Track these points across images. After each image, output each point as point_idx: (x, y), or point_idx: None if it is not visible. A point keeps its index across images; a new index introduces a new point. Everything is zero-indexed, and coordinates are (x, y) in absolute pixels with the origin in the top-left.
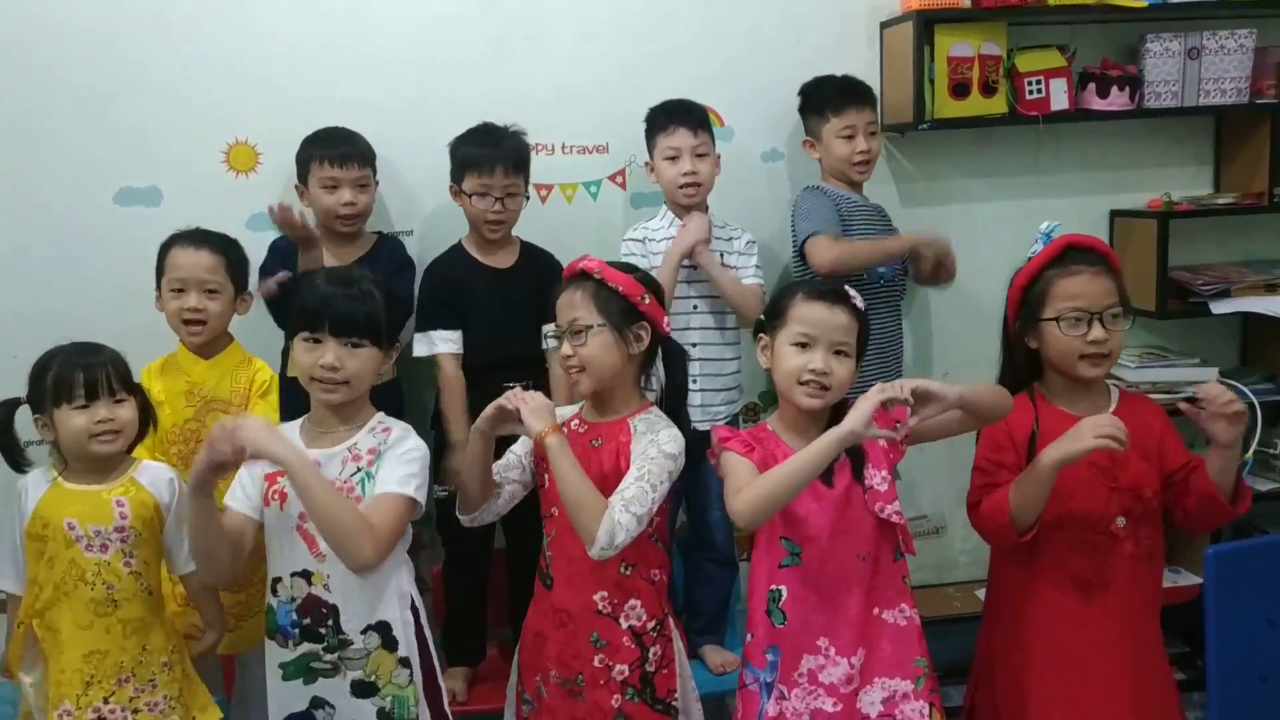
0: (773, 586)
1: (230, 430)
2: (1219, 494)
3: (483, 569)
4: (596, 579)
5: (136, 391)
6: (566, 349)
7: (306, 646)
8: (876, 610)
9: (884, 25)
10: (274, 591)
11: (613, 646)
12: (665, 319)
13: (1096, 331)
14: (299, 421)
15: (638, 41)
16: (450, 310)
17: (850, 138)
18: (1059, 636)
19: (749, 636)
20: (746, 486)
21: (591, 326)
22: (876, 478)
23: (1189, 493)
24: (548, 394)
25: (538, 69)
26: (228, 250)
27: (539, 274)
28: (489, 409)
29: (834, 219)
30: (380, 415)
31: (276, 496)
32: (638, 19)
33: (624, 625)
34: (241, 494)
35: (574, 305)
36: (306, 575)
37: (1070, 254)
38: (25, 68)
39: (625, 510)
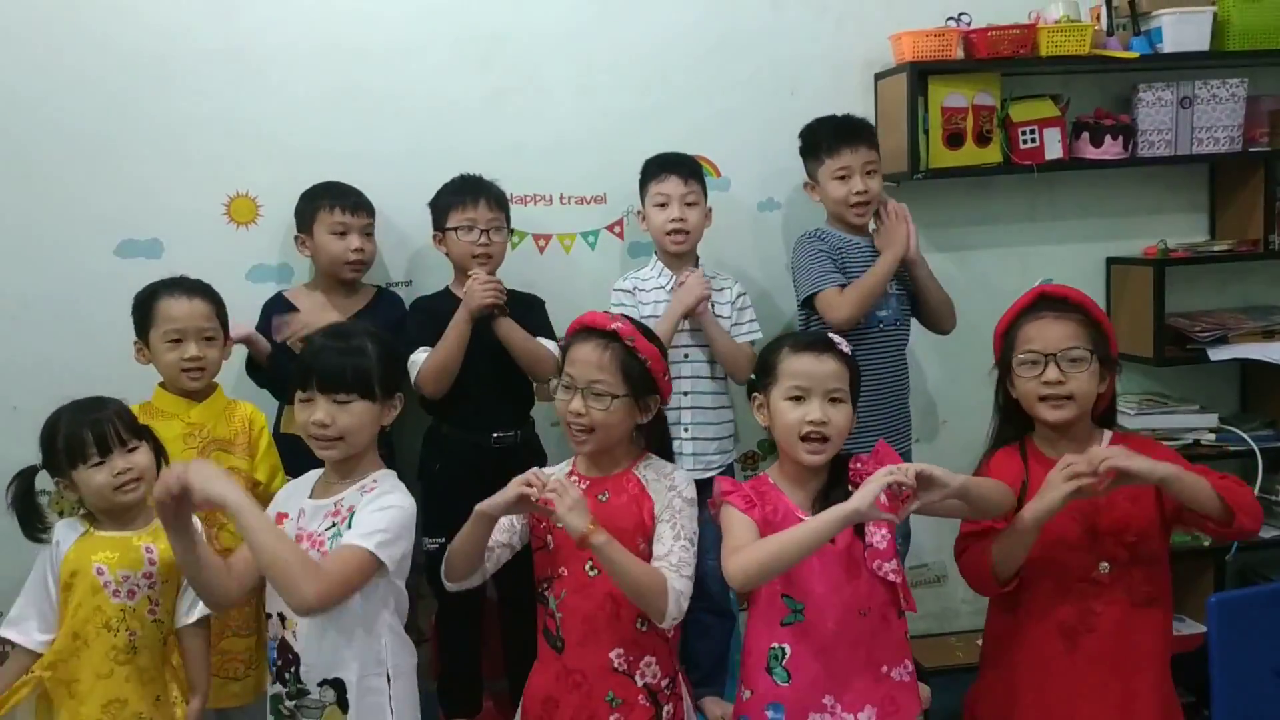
0: (774, 644)
1: (177, 473)
2: (1206, 519)
3: (476, 620)
4: (613, 636)
5: (146, 434)
6: (579, 406)
7: (277, 688)
8: (885, 668)
9: (878, 77)
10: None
11: (628, 705)
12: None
13: (1050, 373)
14: (317, 473)
15: (635, 93)
16: (435, 336)
17: (844, 179)
18: (1044, 684)
19: (746, 693)
20: (744, 549)
21: (616, 396)
22: (876, 535)
23: (1194, 519)
24: (536, 442)
25: (536, 121)
26: (215, 297)
27: (520, 313)
28: (507, 495)
29: (829, 268)
30: (381, 474)
31: None
32: (635, 71)
33: (639, 683)
34: None
35: (598, 366)
36: (282, 619)
37: (1041, 302)
38: (27, 120)
39: (679, 576)
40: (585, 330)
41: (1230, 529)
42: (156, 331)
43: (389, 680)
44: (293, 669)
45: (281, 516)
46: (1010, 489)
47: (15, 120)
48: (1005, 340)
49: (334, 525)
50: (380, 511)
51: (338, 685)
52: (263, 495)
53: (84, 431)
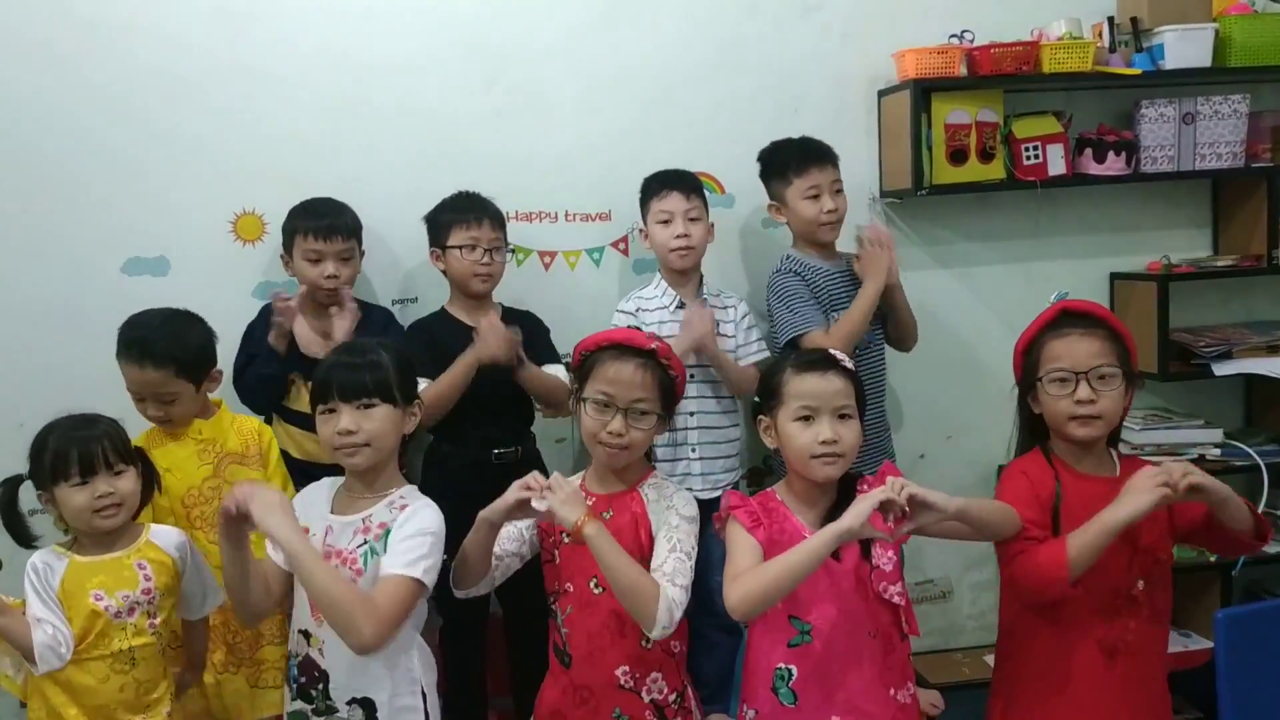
0: (780, 665)
1: (245, 496)
2: (1238, 535)
3: (481, 637)
4: (618, 653)
5: (136, 459)
6: (620, 426)
7: (299, 704)
8: (891, 691)
9: (881, 94)
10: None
11: None
12: None
13: (1082, 391)
14: (337, 482)
15: (639, 111)
16: (436, 364)
17: (815, 198)
18: (1086, 701)
19: (750, 712)
20: (744, 575)
21: (657, 415)
22: (883, 558)
23: (1212, 535)
24: (537, 458)
25: (541, 139)
26: (176, 354)
27: (523, 329)
28: (507, 499)
29: (810, 309)
30: (407, 489)
31: None
32: (639, 89)
33: (646, 699)
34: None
35: (640, 385)
36: (306, 635)
37: (1064, 318)
38: (34, 137)
39: (673, 585)
40: (622, 348)
41: (1257, 543)
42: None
43: (424, 696)
44: (320, 686)
45: (307, 531)
46: (1014, 511)
47: (21, 137)
48: (1027, 357)
49: (365, 542)
50: (418, 536)
51: (366, 705)
52: None
53: (71, 450)
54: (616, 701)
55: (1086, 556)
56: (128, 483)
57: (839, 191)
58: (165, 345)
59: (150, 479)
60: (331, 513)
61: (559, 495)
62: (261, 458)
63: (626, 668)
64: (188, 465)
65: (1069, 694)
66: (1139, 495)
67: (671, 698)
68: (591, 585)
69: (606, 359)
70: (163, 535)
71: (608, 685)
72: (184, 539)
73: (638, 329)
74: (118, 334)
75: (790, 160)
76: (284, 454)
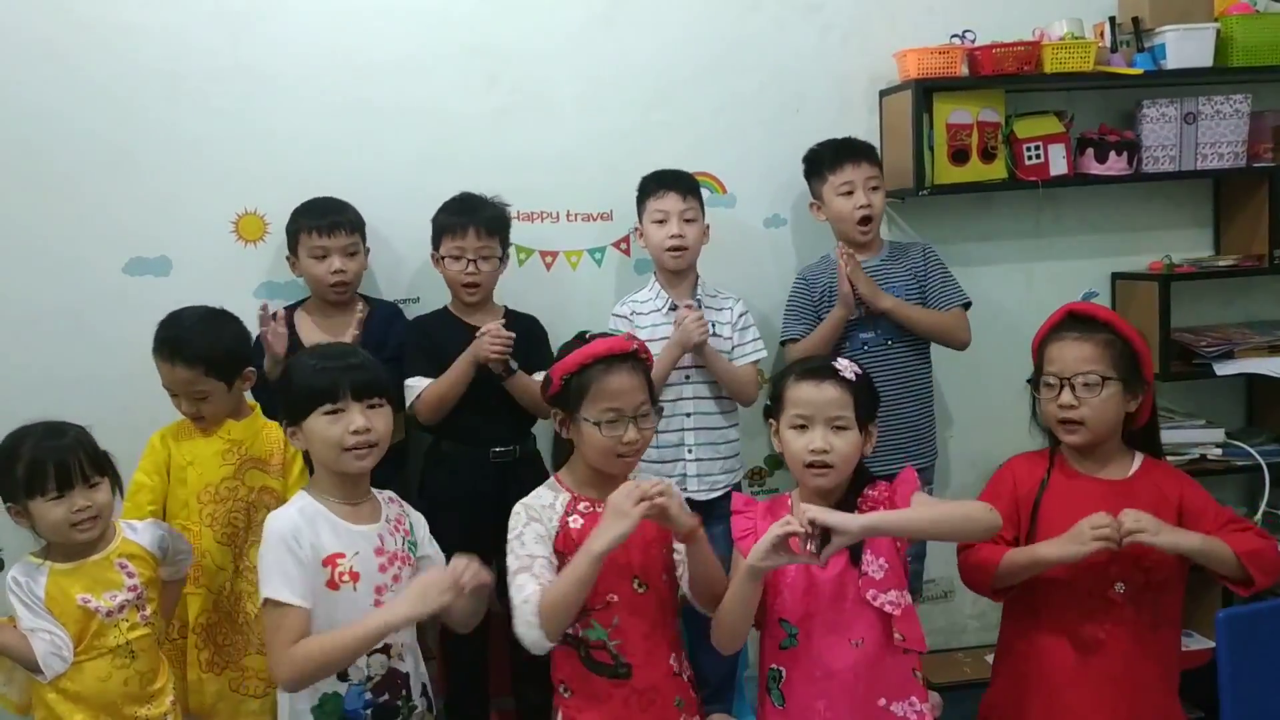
0: (773, 666)
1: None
2: (1226, 579)
3: (483, 637)
4: (669, 644)
5: (108, 468)
6: (634, 435)
7: None
8: (883, 701)
9: (883, 94)
10: (341, 676)
11: (688, 703)
12: None
13: (1065, 396)
14: (310, 504)
15: (641, 111)
16: (432, 362)
17: (849, 194)
18: (1055, 699)
19: (758, 707)
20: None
21: (653, 410)
22: (874, 564)
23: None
24: (536, 458)
25: (543, 139)
26: (206, 354)
27: (520, 332)
28: (634, 518)
29: (801, 317)
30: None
31: (348, 578)
32: (641, 89)
33: (685, 679)
34: (298, 583)
35: (639, 388)
36: (386, 649)
37: (1068, 320)
38: (36, 139)
39: None
40: (609, 359)
41: (1246, 590)
42: (161, 381)
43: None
44: (404, 690)
45: (339, 557)
46: (985, 509)
47: (22, 138)
48: (1037, 357)
49: (403, 539)
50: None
51: (425, 690)
52: None
53: (46, 463)
54: (675, 691)
55: (1013, 575)
56: (103, 494)
57: (875, 189)
58: (196, 345)
59: (115, 483)
60: (357, 526)
61: (676, 500)
62: (284, 468)
63: (674, 655)
64: (211, 463)
65: (1038, 686)
66: (1074, 544)
67: (689, 669)
68: (635, 586)
69: (599, 375)
70: (139, 532)
71: (666, 677)
72: (161, 530)
73: (625, 333)
74: (155, 330)
75: (826, 157)
76: None
